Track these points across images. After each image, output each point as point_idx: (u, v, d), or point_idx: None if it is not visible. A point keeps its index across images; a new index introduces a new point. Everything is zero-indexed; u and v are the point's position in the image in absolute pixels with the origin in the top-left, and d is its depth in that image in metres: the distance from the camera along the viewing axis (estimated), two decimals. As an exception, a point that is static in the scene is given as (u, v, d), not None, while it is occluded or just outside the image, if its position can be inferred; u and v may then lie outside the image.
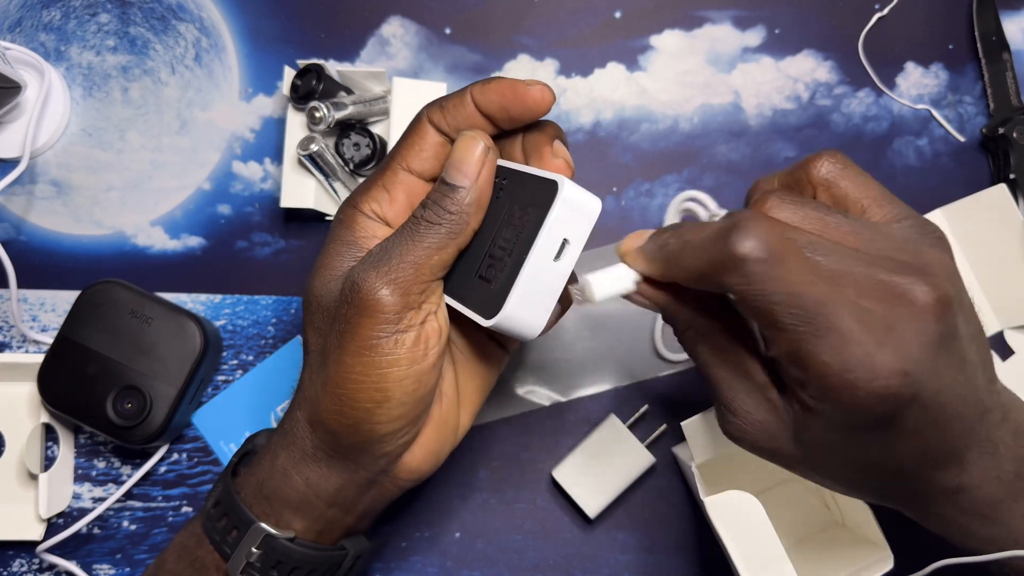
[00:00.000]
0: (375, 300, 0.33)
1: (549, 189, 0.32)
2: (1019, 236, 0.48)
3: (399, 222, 0.37)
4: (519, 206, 0.34)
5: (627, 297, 0.35)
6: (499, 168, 0.36)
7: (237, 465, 0.41)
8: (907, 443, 0.31)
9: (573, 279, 0.36)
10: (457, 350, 0.40)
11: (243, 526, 0.38)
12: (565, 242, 0.32)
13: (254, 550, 0.37)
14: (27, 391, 0.51)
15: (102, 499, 0.50)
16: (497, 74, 0.53)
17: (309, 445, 0.37)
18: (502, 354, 0.41)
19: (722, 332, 0.34)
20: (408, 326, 0.34)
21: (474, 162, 0.34)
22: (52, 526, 0.50)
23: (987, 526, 0.33)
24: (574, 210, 0.32)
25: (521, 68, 0.53)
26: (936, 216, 0.50)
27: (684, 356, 0.50)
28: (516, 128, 0.37)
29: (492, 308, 0.33)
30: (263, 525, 0.37)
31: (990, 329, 0.50)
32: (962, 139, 0.53)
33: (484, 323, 0.33)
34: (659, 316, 0.51)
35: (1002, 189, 0.48)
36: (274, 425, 0.51)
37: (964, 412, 0.31)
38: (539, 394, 0.51)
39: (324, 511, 0.38)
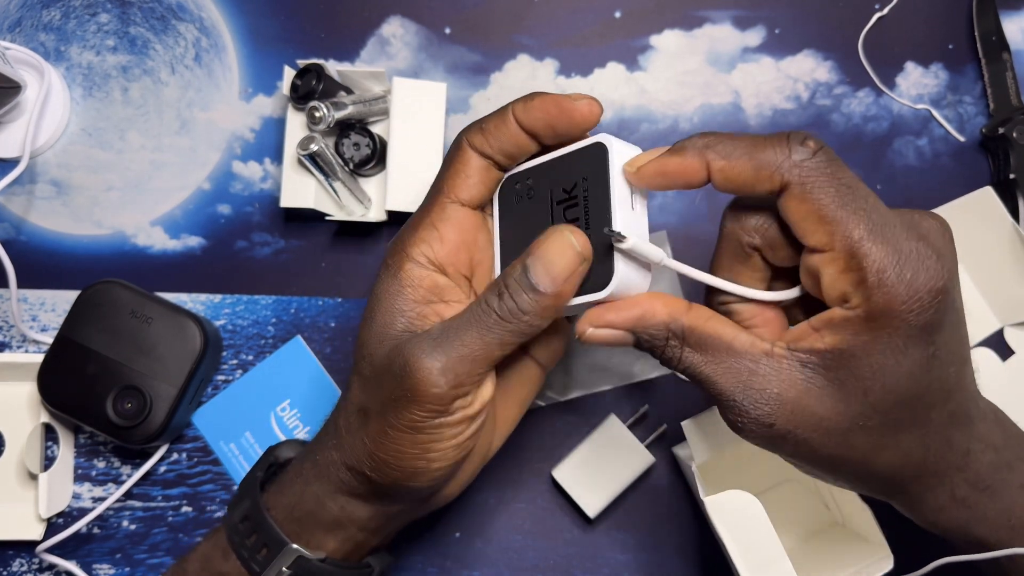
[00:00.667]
0: (426, 389, 0.33)
1: (597, 151, 0.33)
2: (1009, 236, 0.48)
3: (452, 263, 0.36)
4: (567, 188, 0.34)
5: (586, 342, 0.34)
6: (523, 172, 0.35)
7: (264, 479, 0.41)
8: (942, 366, 0.31)
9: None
10: (496, 379, 0.39)
11: (275, 545, 0.38)
12: (632, 192, 0.33)
13: (285, 570, 0.37)
14: (27, 391, 0.51)
15: (102, 499, 0.50)
16: (497, 75, 0.53)
17: (345, 482, 0.37)
18: (540, 373, 0.40)
19: (708, 316, 0.33)
20: (456, 410, 0.34)
21: (566, 270, 0.33)
22: (52, 526, 0.50)
23: (991, 500, 0.33)
24: (626, 159, 0.33)
25: (521, 68, 0.53)
26: (929, 218, 0.50)
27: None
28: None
29: (603, 279, 0.33)
30: (296, 547, 0.37)
31: (990, 328, 0.50)
32: (962, 139, 0.53)
33: (602, 295, 0.33)
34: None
35: (988, 191, 0.48)
36: (274, 425, 0.51)
37: (968, 342, 0.32)
38: (539, 394, 0.50)
39: (355, 534, 0.39)
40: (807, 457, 0.33)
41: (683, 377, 0.33)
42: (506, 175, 0.37)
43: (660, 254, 0.33)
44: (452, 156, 0.36)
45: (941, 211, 0.50)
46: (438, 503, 0.39)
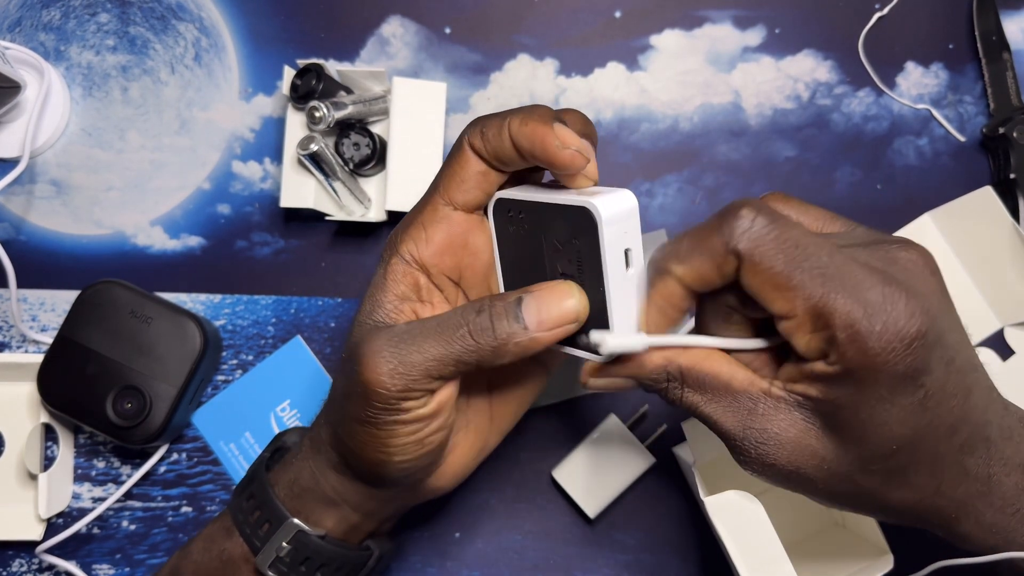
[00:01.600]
0: (374, 388, 0.33)
1: (585, 217, 0.32)
2: (1010, 236, 0.48)
3: (435, 264, 0.36)
4: (559, 239, 0.33)
5: (591, 388, 0.34)
6: (515, 202, 0.35)
7: (269, 460, 0.41)
8: (938, 405, 0.30)
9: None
10: (494, 378, 0.39)
11: (276, 521, 0.38)
12: (627, 250, 0.32)
13: (285, 544, 0.38)
14: (27, 391, 0.51)
15: (102, 499, 0.50)
16: (497, 75, 0.53)
17: (335, 460, 0.38)
18: (542, 373, 0.40)
19: (705, 355, 0.32)
20: (408, 409, 0.33)
21: (556, 322, 0.33)
22: (52, 526, 0.50)
23: (1022, 523, 0.32)
24: (618, 221, 0.32)
25: (521, 68, 0.53)
26: (924, 220, 0.50)
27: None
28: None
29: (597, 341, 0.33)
30: (296, 521, 0.38)
31: (990, 328, 0.50)
32: (962, 139, 0.53)
33: (599, 358, 0.33)
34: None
35: (988, 191, 0.48)
36: (273, 425, 0.51)
37: (976, 366, 0.31)
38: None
39: (349, 514, 0.39)
40: (817, 493, 0.33)
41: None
42: (497, 196, 0.36)
43: (644, 343, 0.32)
44: (453, 156, 0.36)
45: (941, 211, 0.50)
46: (428, 494, 0.39)
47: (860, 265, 0.29)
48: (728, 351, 0.33)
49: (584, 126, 0.35)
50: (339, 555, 0.39)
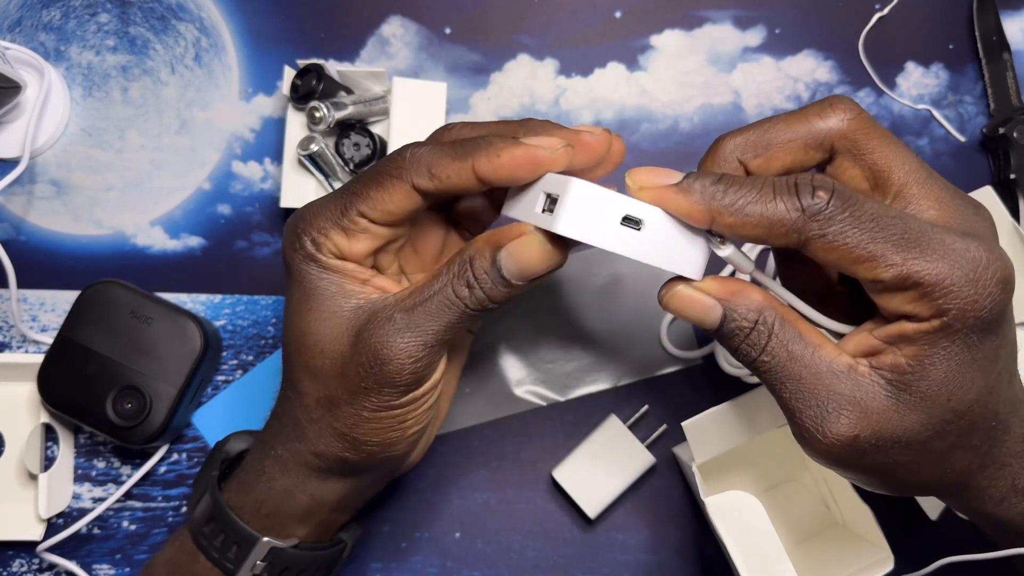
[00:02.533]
0: (400, 376, 0.34)
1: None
2: (1010, 235, 0.48)
3: (365, 254, 0.35)
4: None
5: (669, 306, 0.32)
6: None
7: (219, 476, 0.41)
8: (1008, 354, 0.31)
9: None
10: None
11: (245, 543, 0.38)
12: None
13: (260, 563, 0.38)
14: (27, 391, 0.51)
15: (102, 499, 0.50)
16: (497, 75, 0.53)
17: (315, 468, 0.38)
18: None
19: (796, 317, 0.32)
20: (422, 383, 0.35)
21: (539, 271, 0.33)
22: (52, 526, 0.50)
23: None
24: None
25: (521, 68, 0.53)
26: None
27: (690, 352, 0.50)
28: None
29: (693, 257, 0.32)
30: (267, 540, 0.38)
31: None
32: (962, 139, 0.53)
33: (723, 251, 0.32)
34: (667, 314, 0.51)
35: (988, 191, 0.48)
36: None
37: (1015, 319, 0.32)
38: (539, 394, 0.50)
39: (327, 516, 0.39)
40: (879, 470, 0.32)
41: (741, 373, 0.33)
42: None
43: (751, 267, 0.33)
44: (383, 187, 0.34)
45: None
46: (406, 468, 0.41)
47: (934, 226, 0.30)
48: (813, 322, 0.33)
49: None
50: (316, 558, 0.39)
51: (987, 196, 0.48)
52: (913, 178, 0.31)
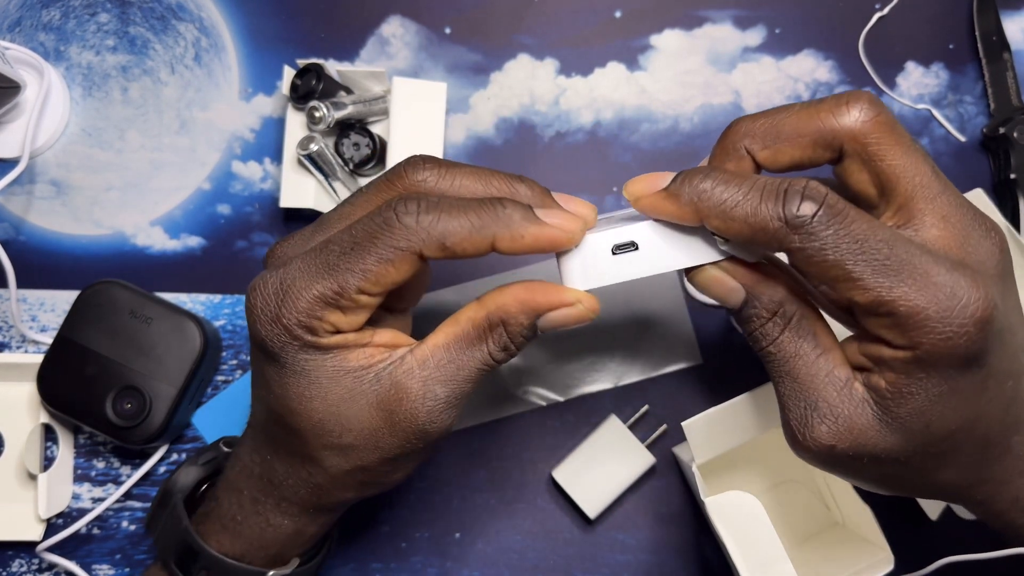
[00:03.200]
0: (443, 437, 0.34)
1: None
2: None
3: (362, 324, 0.33)
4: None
5: (693, 281, 0.33)
6: None
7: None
8: (997, 385, 0.30)
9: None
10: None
11: None
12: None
13: None
14: (27, 391, 0.50)
15: (102, 499, 0.50)
16: (497, 75, 0.53)
17: (323, 509, 0.38)
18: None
19: (816, 318, 0.32)
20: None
21: (572, 325, 0.33)
22: (51, 526, 0.50)
23: None
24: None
25: (521, 68, 0.53)
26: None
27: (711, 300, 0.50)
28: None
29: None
30: (272, 573, 0.38)
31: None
32: (963, 139, 0.53)
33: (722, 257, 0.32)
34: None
35: (979, 193, 0.48)
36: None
37: (1021, 350, 0.31)
38: (538, 394, 0.50)
39: (316, 534, 0.39)
40: (863, 477, 0.32)
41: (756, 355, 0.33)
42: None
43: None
44: (385, 258, 0.31)
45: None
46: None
47: (925, 252, 0.29)
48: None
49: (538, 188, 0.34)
50: (315, 566, 0.40)
51: (979, 198, 0.48)
52: (921, 193, 0.30)
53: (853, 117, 0.31)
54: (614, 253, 0.32)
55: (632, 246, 0.32)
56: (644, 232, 0.32)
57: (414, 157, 0.33)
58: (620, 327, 0.51)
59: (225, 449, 0.42)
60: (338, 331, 0.32)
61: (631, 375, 0.50)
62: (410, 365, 0.33)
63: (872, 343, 0.30)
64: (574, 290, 0.32)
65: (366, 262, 0.31)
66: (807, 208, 0.28)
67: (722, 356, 0.51)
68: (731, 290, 0.32)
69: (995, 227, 0.31)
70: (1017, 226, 0.50)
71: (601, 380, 0.50)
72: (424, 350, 0.33)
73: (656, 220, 0.32)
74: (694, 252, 0.32)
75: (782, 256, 0.31)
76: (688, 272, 0.33)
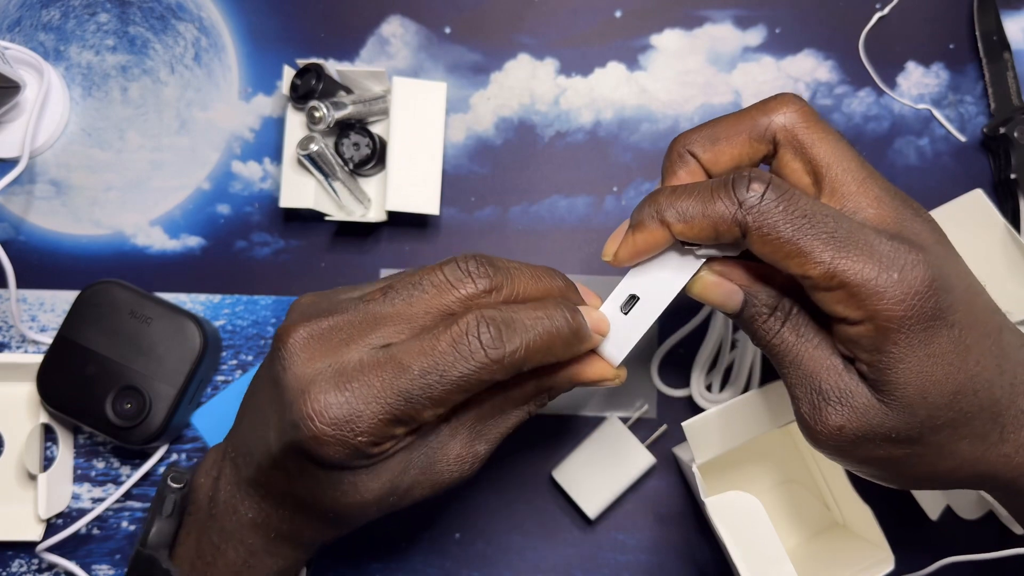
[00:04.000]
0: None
1: None
2: (1002, 236, 0.48)
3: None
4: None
5: (692, 294, 0.34)
6: None
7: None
8: (977, 341, 0.30)
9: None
10: None
11: None
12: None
13: None
14: (26, 391, 0.50)
15: (101, 499, 0.50)
16: (497, 75, 0.53)
17: (301, 541, 0.38)
18: None
19: (808, 312, 0.33)
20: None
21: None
22: (51, 526, 0.50)
23: None
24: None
25: (521, 68, 0.53)
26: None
27: (679, 391, 0.50)
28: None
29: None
30: None
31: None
32: (963, 139, 0.52)
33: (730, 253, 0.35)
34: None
35: (979, 193, 0.48)
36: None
37: (997, 308, 0.32)
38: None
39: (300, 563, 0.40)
40: (880, 463, 0.32)
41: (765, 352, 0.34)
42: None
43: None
44: (466, 385, 0.32)
45: (933, 214, 0.50)
46: None
47: (865, 227, 0.30)
48: None
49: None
50: None
51: (977, 198, 0.48)
52: (852, 176, 0.32)
53: (782, 112, 0.33)
54: (625, 313, 0.35)
55: (634, 299, 0.35)
56: (633, 281, 0.35)
57: (465, 261, 0.34)
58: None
59: (176, 486, 0.38)
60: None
61: (589, 408, 0.50)
62: (455, 429, 0.35)
63: (840, 327, 0.31)
64: (613, 368, 0.36)
65: (444, 391, 0.31)
66: (756, 187, 0.30)
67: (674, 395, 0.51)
68: (729, 294, 0.33)
69: (922, 210, 0.33)
70: (1017, 226, 0.50)
71: (558, 407, 0.50)
72: (470, 416, 0.35)
73: (634, 266, 0.35)
74: (681, 271, 0.34)
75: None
76: (686, 287, 0.34)
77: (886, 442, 0.31)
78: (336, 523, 0.36)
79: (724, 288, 0.34)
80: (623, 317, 0.35)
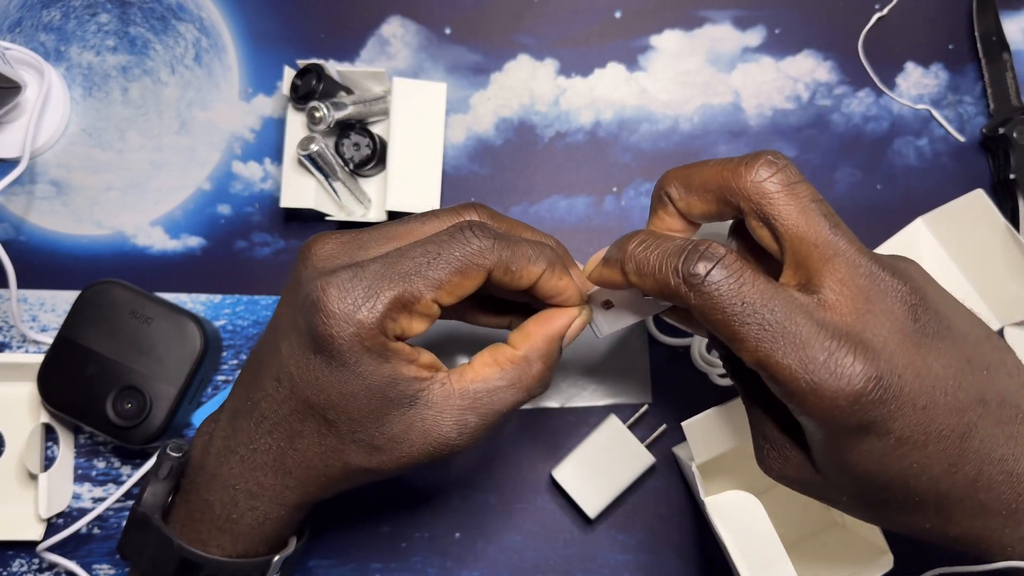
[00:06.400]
0: (463, 452, 0.37)
1: None
2: (1002, 236, 0.48)
3: (420, 333, 0.35)
4: None
5: (672, 318, 0.38)
6: None
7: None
8: (920, 448, 0.30)
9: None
10: None
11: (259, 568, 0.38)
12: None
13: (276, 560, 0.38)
14: (27, 391, 0.51)
15: (102, 499, 0.50)
16: (497, 75, 0.53)
17: (300, 500, 0.38)
18: None
19: None
20: None
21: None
22: (52, 526, 0.50)
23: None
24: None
25: (521, 68, 0.53)
26: (917, 225, 0.50)
27: (679, 340, 0.50)
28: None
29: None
30: (278, 558, 0.38)
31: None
32: (962, 139, 0.53)
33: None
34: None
35: (979, 193, 0.48)
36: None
37: (982, 399, 0.30)
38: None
39: (297, 520, 0.40)
40: (840, 508, 0.34)
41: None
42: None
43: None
44: (468, 270, 0.34)
45: (933, 215, 0.50)
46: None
47: (811, 321, 0.29)
48: None
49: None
50: (301, 545, 0.41)
51: (978, 199, 0.48)
52: (816, 254, 0.31)
53: (750, 178, 0.32)
54: (606, 309, 0.38)
55: (609, 304, 0.38)
56: (608, 291, 0.37)
57: (475, 203, 0.38)
58: (581, 352, 0.51)
59: (175, 455, 0.38)
60: (402, 337, 0.34)
61: (579, 399, 0.50)
62: (449, 392, 0.35)
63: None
64: (574, 308, 0.37)
65: (446, 272, 0.33)
66: (701, 268, 0.30)
67: (674, 394, 0.51)
68: (699, 326, 0.36)
69: (902, 273, 0.31)
70: (1017, 226, 0.50)
71: (549, 399, 0.50)
72: (465, 383, 0.35)
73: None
74: (643, 308, 0.37)
75: None
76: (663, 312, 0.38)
77: (829, 493, 0.33)
78: (336, 451, 0.35)
79: (693, 324, 0.37)
80: (604, 311, 0.38)
